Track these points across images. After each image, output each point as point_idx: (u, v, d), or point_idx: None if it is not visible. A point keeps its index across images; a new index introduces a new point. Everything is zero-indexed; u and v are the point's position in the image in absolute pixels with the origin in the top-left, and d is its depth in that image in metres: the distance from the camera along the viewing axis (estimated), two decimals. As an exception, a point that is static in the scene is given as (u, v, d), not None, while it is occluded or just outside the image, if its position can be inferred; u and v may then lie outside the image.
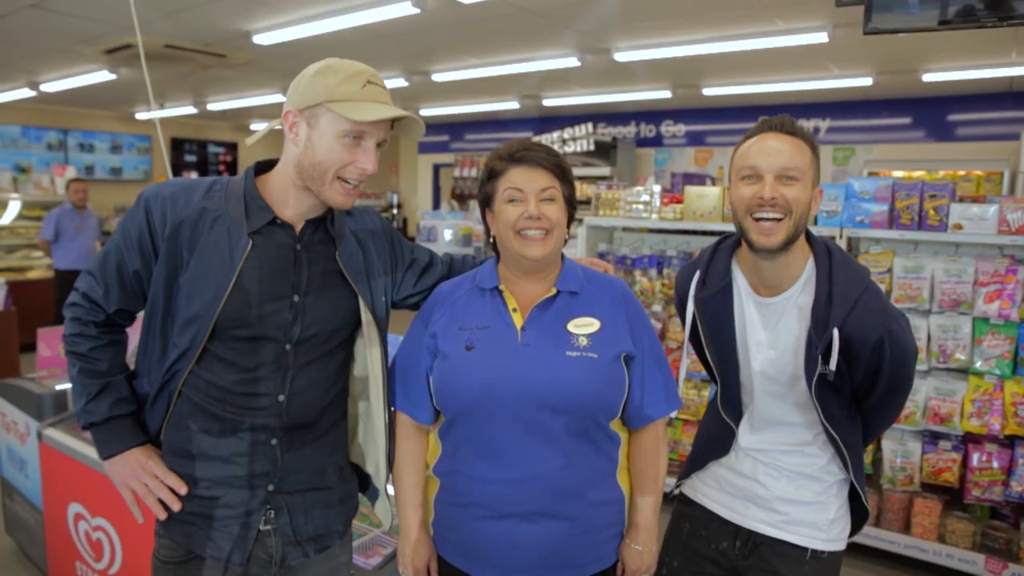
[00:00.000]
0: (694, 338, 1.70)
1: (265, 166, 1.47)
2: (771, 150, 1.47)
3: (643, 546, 1.50)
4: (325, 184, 1.35)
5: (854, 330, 1.43)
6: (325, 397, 1.49)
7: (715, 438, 1.70)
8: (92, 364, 1.42)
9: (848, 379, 1.50)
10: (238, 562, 1.42)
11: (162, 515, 1.42)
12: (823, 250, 1.53)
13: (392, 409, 1.55)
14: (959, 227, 3.01)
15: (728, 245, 1.65)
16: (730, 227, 1.88)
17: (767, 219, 1.45)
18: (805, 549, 1.58)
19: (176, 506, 1.41)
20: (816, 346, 1.45)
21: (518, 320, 1.45)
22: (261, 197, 1.40)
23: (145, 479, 1.41)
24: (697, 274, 1.65)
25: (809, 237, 1.56)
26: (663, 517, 1.58)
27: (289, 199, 1.41)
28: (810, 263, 1.53)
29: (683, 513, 1.74)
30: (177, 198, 1.38)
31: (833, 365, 1.44)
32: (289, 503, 1.45)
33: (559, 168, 1.45)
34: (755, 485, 1.62)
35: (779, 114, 1.52)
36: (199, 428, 1.41)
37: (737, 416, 1.66)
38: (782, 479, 1.60)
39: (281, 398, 1.41)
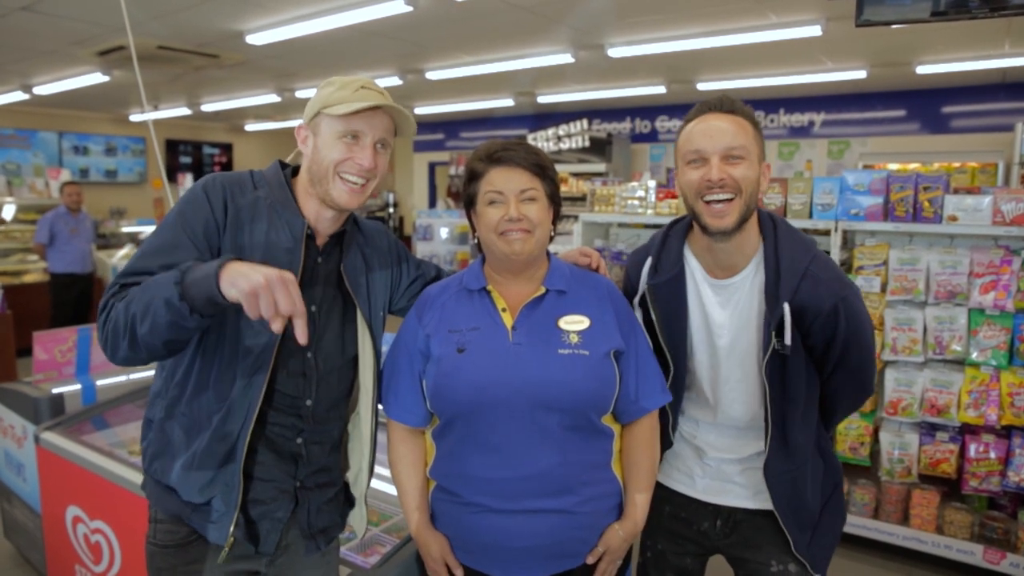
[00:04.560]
0: (648, 325, 1.69)
1: (292, 170, 1.52)
2: (714, 131, 1.46)
3: (627, 536, 1.51)
4: (329, 183, 1.41)
5: (805, 300, 1.45)
6: (341, 405, 1.56)
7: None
8: (145, 283, 1.23)
9: (802, 354, 1.51)
10: (266, 552, 1.47)
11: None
12: (769, 224, 1.55)
13: (378, 419, 1.58)
14: (954, 219, 3.01)
15: (680, 229, 1.65)
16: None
17: (718, 201, 1.46)
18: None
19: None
20: (769, 323, 1.46)
21: (508, 320, 1.46)
22: (297, 205, 1.46)
23: (272, 275, 1.13)
24: (649, 260, 1.65)
25: (759, 217, 1.57)
26: None
27: (310, 209, 1.47)
28: (761, 245, 1.55)
29: (662, 497, 1.75)
30: (233, 186, 1.42)
31: (788, 339, 1.45)
32: (308, 498, 1.52)
33: (539, 167, 1.45)
34: (725, 482, 1.65)
35: (719, 96, 1.51)
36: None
37: (676, 403, 1.66)
38: (748, 472, 1.63)
39: (309, 402, 1.48)
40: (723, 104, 1.48)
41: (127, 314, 1.23)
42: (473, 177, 1.48)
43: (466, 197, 1.51)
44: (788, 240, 1.52)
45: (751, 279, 1.53)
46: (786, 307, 1.44)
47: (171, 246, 1.33)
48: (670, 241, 1.64)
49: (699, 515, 1.68)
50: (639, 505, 1.53)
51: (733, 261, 1.54)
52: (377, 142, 1.43)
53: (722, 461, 1.65)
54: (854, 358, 1.52)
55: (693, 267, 1.60)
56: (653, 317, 1.63)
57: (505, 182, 1.42)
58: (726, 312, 1.56)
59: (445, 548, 1.51)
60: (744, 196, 1.45)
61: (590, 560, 1.48)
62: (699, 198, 1.47)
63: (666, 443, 1.69)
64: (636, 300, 1.65)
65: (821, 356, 1.53)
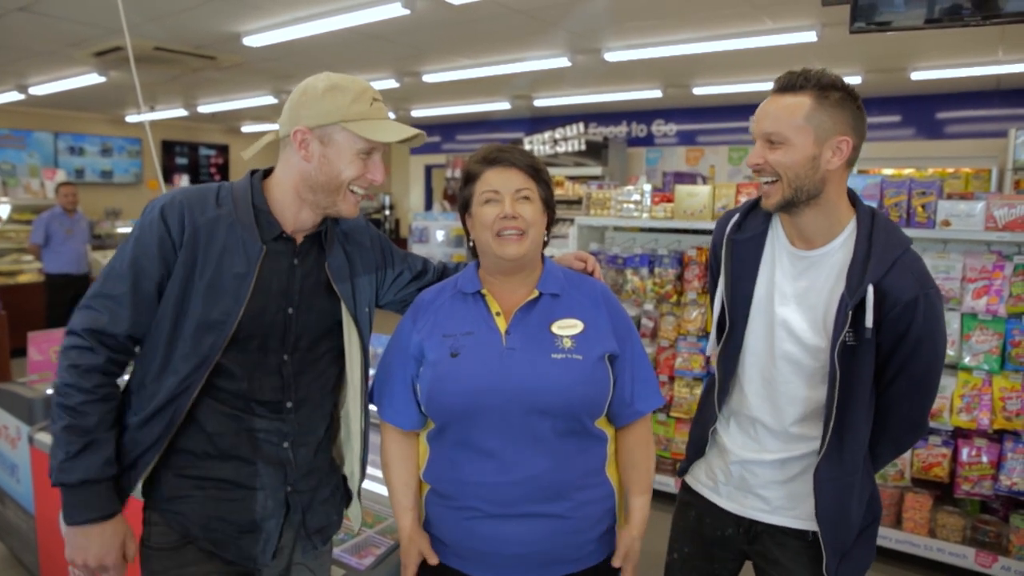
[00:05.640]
0: (715, 284, 1.71)
1: (261, 174, 1.50)
2: (759, 116, 1.49)
3: (637, 535, 1.53)
4: (339, 196, 1.42)
5: (890, 285, 1.41)
6: (326, 403, 1.54)
7: (707, 406, 1.72)
8: (80, 419, 1.32)
9: (872, 349, 1.45)
10: (264, 563, 1.47)
11: None
12: (866, 212, 1.52)
13: (368, 415, 1.58)
14: (947, 224, 3.03)
15: None
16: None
17: (763, 182, 1.49)
18: (804, 533, 1.57)
19: None
20: (847, 304, 1.42)
21: (502, 324, 1.46)
22: (270, 212, 1.44)
23: (110, 559, 1.35)
24: (735, 217, 1.66)
25: (855, 201, 1.55)
26: (664, 510, 1.58)
27: (291, 212, 1.45)
28: (852, 223, 1.52)
29: (688, 501, 1.76)
30: (193, 205, 1.38)
31: (869, 321, 1.40)
32: (302, 501, 1.51)
33: (534, 169, 1.47)
34: (746, 492, 1.64)
35: (790, 72, 1.47)
36: (221, 434, 1.42)
37: (731, 370, 1.64)
38: (771, 485, 1.61)
39: (289, 404, 1.46)
40: (783, 84, 1.47)
41: (53, 403, 1.35)
42: (469, 179, 1.48)
43: (462, 201, 1.51)
44: (884, 229, 1.48)
45: (834, 255, 1.51)
46: (870, 288, 1.41)
47: (130, 268, 1.35)
48: (761, 206, 1.64)
49: (722, 521, 1.68)
50: (643, 507, 1.54)
51: (810, 234, 1.53)
52: (381, 153, 1.45)
53: (744, 465, 1.62)
54: (921, 365, 1.46)
55: (778, 232, 1.60)
56: (722, 273, 1.64)
57: (502, 182, 1.44)
58: (796, 284, 1.55)
59: (425, 546, 1.49)
60: (785, 179, 1.45)
61: (616, 562, 1.50)
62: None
63: (711, 416, 1.68)
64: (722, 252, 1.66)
65: (886, 356, 1.47)
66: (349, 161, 1.39)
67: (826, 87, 1.44)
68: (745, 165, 1.54)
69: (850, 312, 1.42)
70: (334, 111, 1.37)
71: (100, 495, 1.34)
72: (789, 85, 1.46)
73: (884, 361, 1.48)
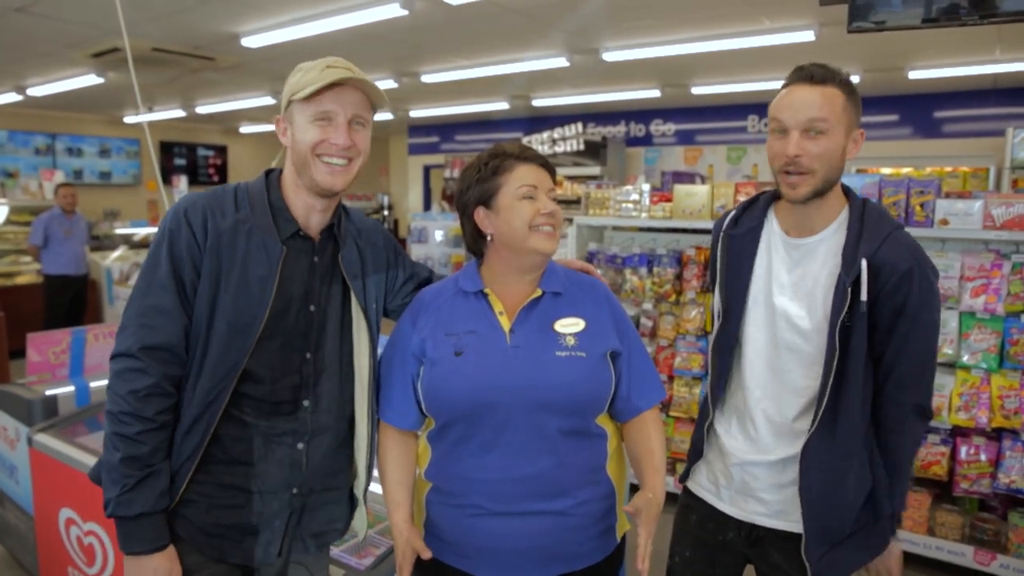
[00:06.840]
0: (715, 282, 1.73)
1: (278, 173, 1.52)
2: (797, 104, 1.47)
3: (652, 496, 1.39)
4: (311, 168, 1.40)
5: (883, 259, 1.43)
6: (345, 404, 1.53)
7: (705, 404, 1.72)
8: (137, 449, 1.31)
9: (866, 328, 1.46)
10: (267, 562, 1.47)
11: None
12: (857, 200, 1.56)
13: (375, 416, 1.57)
14: (945, 223, 3.04)
15: (768, 195, 1.68)
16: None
17: (793, 173, 1.48)
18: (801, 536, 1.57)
19: None
20: (845, 282, 1.45)
21: (505, 323, 1.46)
22: (287, 208, 1.45)
23: None
24: (732, 213, 1.69)
25: (847, 191, 1.58)
26: (665, 510, 1.54)
27: (300, 203, 1.46)
28: (845, 210, 1.56)
29: (689, 504, 1.76)
30: (215, 210, 1.40)
31: (864, 295, 1.42)
32: (305, 503, 1.50)
33: (553, 170, 1.52)
34: (748, 496, 1.64)
35: (811, 62, 1.50)
36: (233, 438, 1.42)
37: (726, 362, 1.65)
38: (773, 488, 1.61)
39: (306, 403, 1.46)
40: (813, 75, 1.48)
41: (108, 432, 1.34)
42: (497, 172, 1.45)
43: (481, 193, 1.47)
44: (876, 211, 1.53)
45: (827, 241, 1.54)
46: (864, 263, 1.43)
47: (171, 278, 1.36)
48: (758, 201, 1.68)
49: (724, 526, 1.68)
50: (656, 472, 1.46)
51: (811, 223, 1.56)
52: (351, 120, 1.40)
53: (744, 468, 1.62)
54: (921, 341, 1.47)
55: (773, 226, 1.62)
56: (718, 267, 1.66)
57: (539, 179, 1.45)
58: (792, 273, 1.57)
59: (417, 540, 1.45)
60: (820, 171, 1.46)
61: (628, 509, 1.37)
62: (778, 168, 1.51)
63: (706, 412, 1.70)
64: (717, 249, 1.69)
65: (885, 334, 1.47)
66: (305, 129, 1.39)
67: (847, 81, 1.49)
68: (770, 158, 1.54)
69: (848, 290, 1.44)
70: (288, 90, 1.41)
71: (155, 527, 1.36)
72: (820, 77, 1.47)
73: (884, 339, 1.49)
